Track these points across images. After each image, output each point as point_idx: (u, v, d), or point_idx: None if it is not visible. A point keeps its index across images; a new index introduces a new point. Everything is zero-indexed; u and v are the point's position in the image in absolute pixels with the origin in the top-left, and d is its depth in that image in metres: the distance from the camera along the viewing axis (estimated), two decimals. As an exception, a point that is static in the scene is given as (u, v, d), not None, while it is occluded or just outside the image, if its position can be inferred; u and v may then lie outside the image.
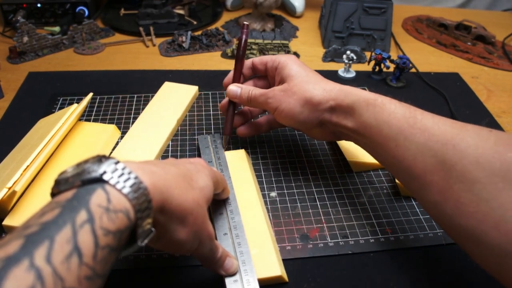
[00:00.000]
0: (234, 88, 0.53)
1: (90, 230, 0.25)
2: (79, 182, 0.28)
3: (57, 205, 0.26)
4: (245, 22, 0.56)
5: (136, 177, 0.29)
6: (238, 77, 0.55)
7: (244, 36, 0.55)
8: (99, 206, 0.26)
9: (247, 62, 0.55)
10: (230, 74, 0.56)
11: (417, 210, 0.52)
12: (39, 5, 0.89)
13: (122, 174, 0.29)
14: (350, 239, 0.47)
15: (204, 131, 0.62)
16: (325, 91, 0.47)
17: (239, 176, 0.52)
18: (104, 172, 0.28)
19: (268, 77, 0.55)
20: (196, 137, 0.60)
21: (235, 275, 0.40)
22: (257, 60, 0.54)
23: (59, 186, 0.28)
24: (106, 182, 0.28)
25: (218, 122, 0.65)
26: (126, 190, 0.28)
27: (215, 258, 0.38)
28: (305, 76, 0.48)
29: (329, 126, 0.48)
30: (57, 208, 0.25)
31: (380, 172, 0.57)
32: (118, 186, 0.28)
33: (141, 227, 0.29)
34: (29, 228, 0.24)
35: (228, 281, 0.39)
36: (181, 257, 0.44)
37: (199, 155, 0.57)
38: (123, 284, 0.42)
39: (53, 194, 0.29)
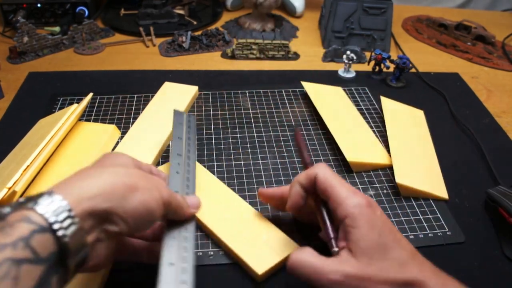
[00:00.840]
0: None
1: None
2: None
3: None
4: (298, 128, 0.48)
5: (44, 192, 0.29)
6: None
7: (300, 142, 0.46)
8: None
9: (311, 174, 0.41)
10: (273, 190, 0.46)
11: (417, 210, 0.52)
12: (39, 5, 0.89)
13: (30, 198, 0.28)
14: (350, 239, 0.47)
15: (204, 131, 0.62)
16: (403, 271, 0.35)
17: (204, 179, 0.52)
18: (7, 208, 0.28)
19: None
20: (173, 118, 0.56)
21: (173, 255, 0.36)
22: (322, 180, 0.40)
23: None
24: (10, 212, 0.27)
25: (218, 122, 0.65)
26: (30, 201, 0.28)
27: (180, 205, 0.37)
28: (384, 257, 0.36)
29: None
30: None
31: (380, 172, 0.57)
32: (18, 206, 0.28)
33: (59, 223, 0.27)
34: None
35: (164, 263, 0.35)
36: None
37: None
38: (123, 284, 0.42)
39: None
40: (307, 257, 0.37)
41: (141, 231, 0.37)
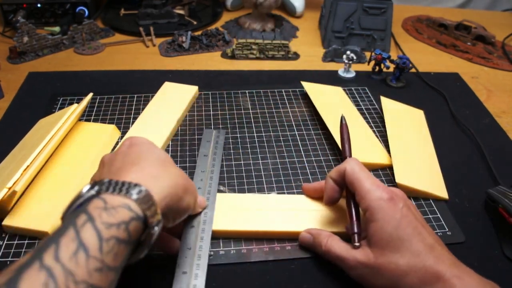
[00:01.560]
0: (305, 235, 0.45)
1: (91, 226, 0.27)
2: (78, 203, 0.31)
3: (61, 222, 0.29)
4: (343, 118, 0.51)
5: (125, 181, 0.32)
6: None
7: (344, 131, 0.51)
8: (96, 207, 0.29)
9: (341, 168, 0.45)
10: (314, 184, 0.50)
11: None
12: (39, 5, 0.89)
13: (115, 184, 0.32)
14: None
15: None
16: (425, 282, 0.36)
17: None
18: (98, 187, 0.31)
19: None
20: (196, 136, 0.61)
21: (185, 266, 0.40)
22: (350, 174, 0.43)
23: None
24: (99, 193, 0.31)
25: (218, 122, 0.65)
26: (120, 190, 0.31)
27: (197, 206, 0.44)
28: (398, 249, 0.38)
29: None
30: (61, 224, 0.28)
31: (380, 172, 0.57)
32: (111, 190, 0.31)
33: (150, 214, 0.31)
34: (39, 244, 0.26)
35: (177, 272, 0.40)
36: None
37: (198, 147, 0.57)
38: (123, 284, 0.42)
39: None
40: (335, 245, 0.42)
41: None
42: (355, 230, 0.42)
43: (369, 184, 0.41)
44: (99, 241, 0.27)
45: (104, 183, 0.32)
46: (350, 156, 0.49)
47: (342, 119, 0.53)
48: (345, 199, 0.46)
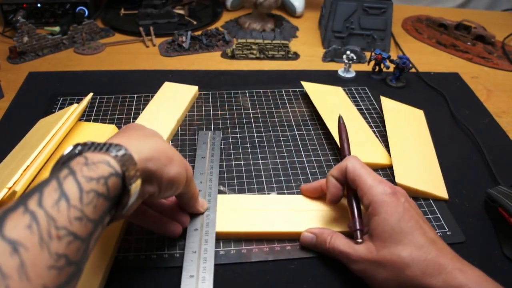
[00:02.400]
0: (308, 235, 0.45)
1: (73, 179, 0.29)
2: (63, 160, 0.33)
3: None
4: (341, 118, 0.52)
5: (106, 142, 0.33)
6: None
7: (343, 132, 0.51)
8: (78, 163, 0.30)
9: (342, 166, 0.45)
10: (313, 184, 0.50)
11: (417, 210, 0.52)
12: (39, 5, 0.89)
13: (97, 144, 0.33)
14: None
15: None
16: (426, 273, 0.36)
17: None
18: (81, 147, 0.33)
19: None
20: (196, 136, 0.61)
21: (192, 269, 0.41)
22: (351, 171, 0.43)
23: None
24: (81, 152, 0.32)
25: (218, 122, 0.65)
26: (101, 149, 0.32)
27: (196, 195, 0.44)
28: (400, 242, 0.38)
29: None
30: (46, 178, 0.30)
31: (380, 172, 0.57)
32: (92, 150, 0.32)
33: (128, 172, 0.32)
34: (23, 194, 0.28)
35: (184, 276, 0.40)
36: (176, 258, 0.44)
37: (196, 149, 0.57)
38: (124, 283, 0.42)
39: None
40: (338, 241, 0.43)
41: (162, 198, 0.41)
42: (357, 226, 0.42)
43: (371, 180, 0.42)
44: (80, 192, 0.28)
45: (87, 144, 0.33)
46: (350, 154, 0.49)
47: (340, 118, 0.53)
48: (345, 198, 0.46)
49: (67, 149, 0.33)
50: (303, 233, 0.46)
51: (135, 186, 0.33)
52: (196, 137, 0.61)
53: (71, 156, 0.32)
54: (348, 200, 0.45)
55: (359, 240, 0.41)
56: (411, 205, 0.41)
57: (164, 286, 0.42)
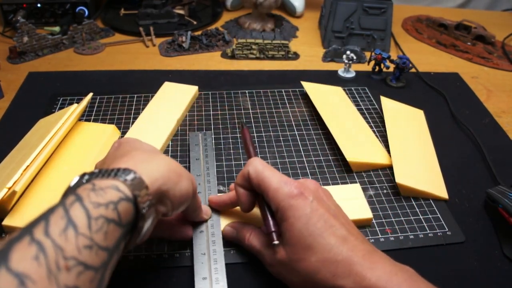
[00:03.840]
0: (229, 229, 0.45)
1: (80, 205, 0.28)
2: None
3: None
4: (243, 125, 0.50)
5: (114, 168, 0.32)
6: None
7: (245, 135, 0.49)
8: (85, 189, 0.29)
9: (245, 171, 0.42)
10: (222, 197, 0.47)
11: (417, 210, 0.52)
12: (39, 5, 0.89)
13: (105, 171, 0.32)
14: (350, 239, 0.47)
15: (204, 131, 0.62)
16: (336, 275, 0.36)
17: None
18: (88, 176, 0.32)
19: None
20: (187, 137, 0.61)
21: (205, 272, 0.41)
22: (254, 176, 0.41)
23: None
24: (89, 180, 0.31)
25: (218, 122, 0.65)
26: (109, 175, 0.32)
27: (199, 206, 0.44)
28: (309, 246, 0.37)
29: None
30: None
31: (380, 172, 0.57)
32: (100, 177, 0.32)
33: (140, 197, 0.31)
34: (28, 223, 0.26)
35: (197, 279, 0.40)
36: (178, 258, 0.44)
37: (188, 152, 0.57)
38: (124, 284, 0.42)
39: None
40: (256, 240, 0.43)
41: (174, 215, 0.40)
42: (272, 228, 0.40)
43: (275, 182, 0.40)
44: (88, 219, 0.27)
45: (95, 172, 0.32)
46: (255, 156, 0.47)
47: (242, 124, 0.51)
48: None
49: (73, 179, 0.32)
50: (225, 227, 0.46)
51: (149, 209, 0.32)
52: (187, 138, 0.61)
53: (78, 185, 0.31)
54: (259, 202, 0.43)
55: (275, 242, 0.39)
56: (322, 201, 0.39)
57: (164, 286, 0.42)
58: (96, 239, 0.27)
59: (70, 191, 0.31)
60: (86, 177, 0.32)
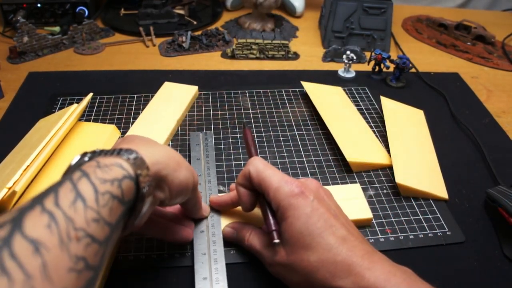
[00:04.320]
0: (229, 230, 0.45)
1: (87, 180, 0.28)
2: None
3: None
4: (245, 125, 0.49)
5: (116, 148, 0.33)
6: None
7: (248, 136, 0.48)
8: (90, 166, 0.30)
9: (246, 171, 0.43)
10: (223, 197, 0.47)
11: (417, 210, 0.52)
12: (39, 5, 0.89)
13: (107, 151, 0.33)
14: (350, 239, 0.47)
15: (204, 131, 0.62)
16: (336, 275, 0.36)
17: None
18: (91, 154, 0.33)
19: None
20: (188, 136, 0.61)
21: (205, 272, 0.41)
22: (255, 176, 0.41)
23: None
24: (92, 158, 0.32)
25: (218, 122, 0.65)
26: (112, 153, 0.32)
27: (199, 201, 0.44)
28: (309, 246, 0.37)
29: None
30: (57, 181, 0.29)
31: (380, 172, 0.57)
32: (103, 155, 0.32)
33: (142, 176, 0.32)
34: (36, 194, 0.27)
35: (197, 279, 0.40)
36: (178, 258, 0.44)
37: (189, 152, 0.57)
38: (124, 284, 0.42)
39: None
40: (256, 240, 0.43)
41: (172, 205, 0.40)
42: (273, 227, 0.40)
43: (276, 181, 0.40)
44: (95, 193, 0.28)
45: (96, 151, 0.33)
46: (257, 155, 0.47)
47: (244, 125, 0.51)
48: None
49: (74, 158, 0.32)
50: (224, 228, 0.45)
51: (149, 190, 0.33)
52: (188, 138, 0.61)
53: (81, 163, 0.31)
54: (259, 202, 0.43)
55: (276, 241, 0.39)
56: (322, 201, 0.39)
57: (164, 286, 0.42)
58: (103, 213, 0.28)
59: (74, 167, 0.31)
60: (89, 155, 0.32)
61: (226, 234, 0.45)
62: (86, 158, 0.32)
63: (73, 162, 0.32)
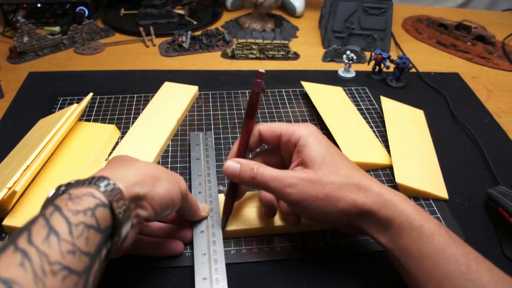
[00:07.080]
0: (232, 164, 0.42)
1: (59, 214, 0.28)
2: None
3: None
4: (261, 70, 0.41)
5: (89, 177, 0.33)
6: (244, 150, 0.43)
7: (258, 89, 0.41)
8: (62, 199, 0.30)
9: (254, 132, 0.43)
10: (234, 147, 0.44)
11: (417, 210, 0.52)
12: (39, 5, 0.89)
13: (80, 181, 0.33)
14: (350, 238, 0.47)
15: (204, 131, 0.62)
16: (360, 191, 0.39)
17: None
18: (65, 187, 0.33)
19: (281, 151, 0.44)
20: (188, 136, 0.61)
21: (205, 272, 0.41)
22: (266, 129, 0.43)
23: None
24: (65, 191, 0.32)
25: (218, 122, 0.65)
26: (83, 184, 0.32)
27: (195, 204, 0.44)
28: (333, 165, 0.40)
29: (361, 230, 0.41)
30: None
31: (380, 172, 0.57)
32: (75, 186, 0.32)
33: (115, 202, 0.32)
34: (11, 235, 0.27)
35: (197, 279, 0.40)
36: (178, 258, 0.44)
37: (189, 152, 0.57)
38: (124, 284, 0.42)
39: None
40: (268, 170, 0.40)
41: (161, 219, 0.40)
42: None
43: (293, 124, 0.43)
44: (68, 225, 0.28)
45: (71, 183, 0.33)
46: (229, 212, 0.46)
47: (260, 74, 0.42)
48: None
49: (51, 191, 0.33)
50: (227, 161, 0.42)
51: (125, 214, 0.33)
52: (188, 138, 0.61)
53: (55, 196, 0.32)
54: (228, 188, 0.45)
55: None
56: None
57: (164, 286, 0.42)
58: (78, 244, 0.28)
59: (48, 202, 0.31)
60: (63, 188, 0.32)
61: (228, 168, 0.41)
62: (60, 191, 0.32)
63: (50, 195, 0.32)
